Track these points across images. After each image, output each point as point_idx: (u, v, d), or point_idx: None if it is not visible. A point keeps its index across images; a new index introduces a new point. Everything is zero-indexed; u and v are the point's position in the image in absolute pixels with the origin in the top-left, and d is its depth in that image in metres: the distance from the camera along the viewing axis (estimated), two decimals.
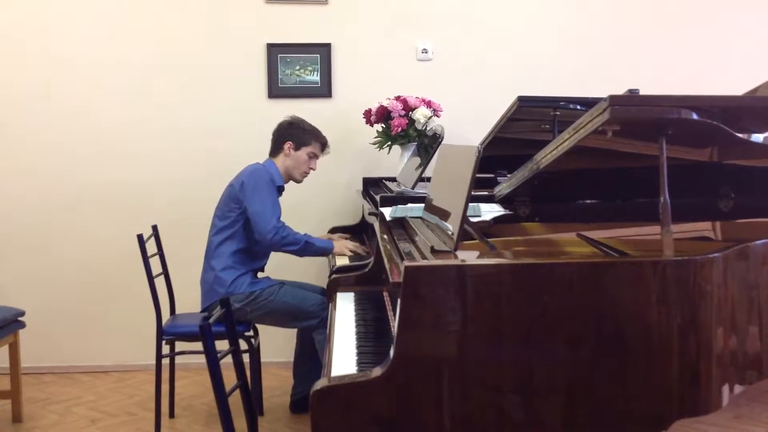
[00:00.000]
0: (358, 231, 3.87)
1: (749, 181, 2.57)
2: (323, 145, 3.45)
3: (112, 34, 4.12)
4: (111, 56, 4.12)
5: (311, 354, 3.31)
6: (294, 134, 3.38)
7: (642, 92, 2.67)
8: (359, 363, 1.86)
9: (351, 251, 3.34)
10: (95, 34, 4.11)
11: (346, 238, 3.54)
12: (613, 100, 1.65)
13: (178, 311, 3.55)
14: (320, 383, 1.57)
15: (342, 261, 3.18)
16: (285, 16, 4.17)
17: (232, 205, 3.26)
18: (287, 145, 3.37)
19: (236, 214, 3.24)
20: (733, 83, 3.12)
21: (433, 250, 1.88)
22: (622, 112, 1.66)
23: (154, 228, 3.57)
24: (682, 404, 1.62)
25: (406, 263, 1.59)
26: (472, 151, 1.89)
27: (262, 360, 3.59)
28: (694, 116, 1.71)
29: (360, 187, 4.13)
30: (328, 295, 2.72)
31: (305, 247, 3.26)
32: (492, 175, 3.38)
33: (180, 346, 3.36)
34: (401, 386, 1.56)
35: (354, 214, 4.15)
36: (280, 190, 3.36)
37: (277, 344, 4.01)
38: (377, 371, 1.57)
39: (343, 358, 1.91)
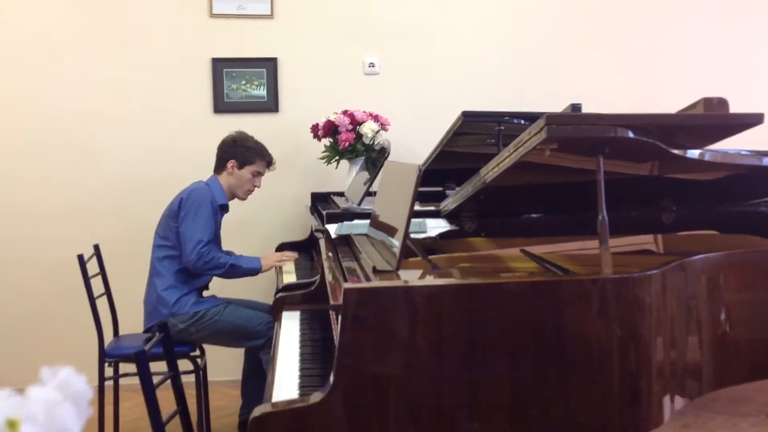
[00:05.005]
0: (308, 247, 3.83)
1: (689, 193, 2.62)
2: (268, 162, 3.39)
3: (52, 47, 4.01)
4: (49, 70, 4.01)
5: (259, 373, 3.25)
6: (237, 152, 3.31)
7: (587, 106, 2.69)
8: (301, 387, 1.82)
9: (277, 262, 3.32)
10: (33, 48, 4.00)
11: (294, 257, 3.49)
12: (550, 119, 1.65)
13: (122, 332, 3.46)
14: (258, 410, 1.54)
15: (289, 278, 3.13)
16: (230, 30, 4.12)
17: (171, 223, 3.19)
18: (230, 164, 3.30)
19: (175, 232, 3.18)
20: (678, 95, 3.18)
21: (375, 270, 1.86)
22: (558, 132, 1.67)
23: (96, 247, 3.48)
24: (623, 423, 1.63)
25: (346, 286, 1.57)
26: (413, 170, 1.88)
27: (210, 379, 3.51)
28: (630, 135, 1.73)
29: (309, 202, 4.09)
30: (274, 314, 2.67)
31: (231, 270, 3.20)
32: (441, 189, 3.39)
33: (124, 367, 3.27)
34: (342, 411, 1.53)
35: (303, 229, 4.10)
36: (223, 208, 3.31)
37: (225, 363, 3.94)
38: (317, 396, 1.53)
39: (286, 382, 1.87)
